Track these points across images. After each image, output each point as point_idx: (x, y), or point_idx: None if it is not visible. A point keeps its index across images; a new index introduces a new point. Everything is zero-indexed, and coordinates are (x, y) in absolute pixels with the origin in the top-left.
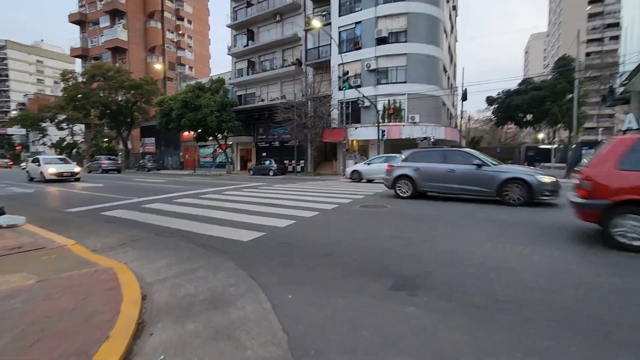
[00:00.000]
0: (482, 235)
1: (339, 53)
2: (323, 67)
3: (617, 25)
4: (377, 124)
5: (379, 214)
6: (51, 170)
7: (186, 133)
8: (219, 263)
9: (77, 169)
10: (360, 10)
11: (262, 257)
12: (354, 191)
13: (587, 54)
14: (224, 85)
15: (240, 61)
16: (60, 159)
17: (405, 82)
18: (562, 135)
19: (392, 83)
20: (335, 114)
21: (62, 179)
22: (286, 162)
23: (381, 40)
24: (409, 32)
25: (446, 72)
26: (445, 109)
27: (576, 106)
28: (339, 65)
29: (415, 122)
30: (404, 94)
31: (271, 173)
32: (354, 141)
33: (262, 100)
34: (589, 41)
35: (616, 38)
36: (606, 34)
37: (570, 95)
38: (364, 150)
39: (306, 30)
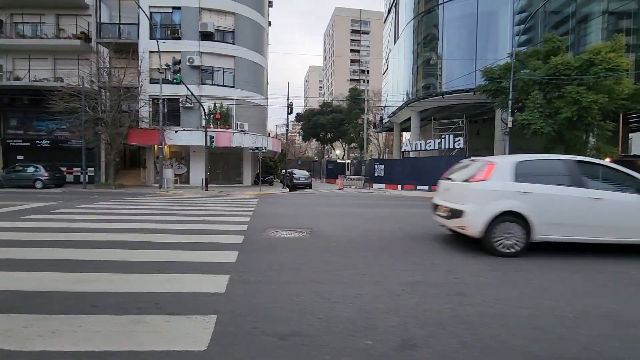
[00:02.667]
0: None
1: (152, 38)
2: (129, 51)
3: (368, 71)
4: (205, 129)
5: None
6: None
7: None
8: None
9: None
10: None
11: None
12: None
13: (350, 90)
14: None
15: None
16: None
17: (233, 87)
18: (357, 152)
19: (219, 85)
20: (145, 111)
21: None
22: (64, 169)
23: (206, 36)
24: (237, 34)
25: (268, 83)
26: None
27: (366, 129)
28: (151, 52)
29: (244, 130)
30: (232, 99)
31: (39, 185)
32: (166, 147)
33: (18, 78)
34: (352, 80)
35: (367, 82)
36: (362, 77)
37: (361, 121)
38: (182, 157)
39: None
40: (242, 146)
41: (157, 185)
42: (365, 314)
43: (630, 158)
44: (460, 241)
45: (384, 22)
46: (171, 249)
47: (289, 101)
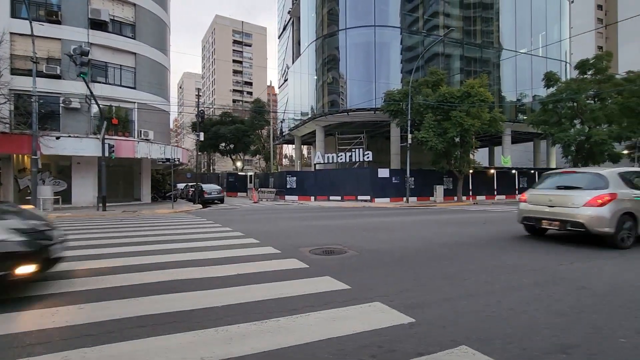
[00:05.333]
0: None
1: (16, 16)
2: None
3: (251, 83)
4: (102, 136)
5: None
6: None
7: None
8: None
9: None
10: None
11: None
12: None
13: (234, 101)
14: None
15: None
16: None
17: (134, 88)
18: (262, 164)
19: (116, 85)
20: (5, 110)
21: None
22: None
23: (99, 25)
24: (139, 28)
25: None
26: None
27: (272, 140)
28: (15, 35)
29: (148, 139)
30: (133, 102)
31: None
32: (25, 157)
33: None
34: (235, 90)
35: (250, 94)
36: (245, 88)
37: (265, 132)
38: (59, 171)
39: None
40: (149, 157)
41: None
42: (555, 314)
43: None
44: (542, 239)
45: (279, 38)
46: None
47: (200, 109)
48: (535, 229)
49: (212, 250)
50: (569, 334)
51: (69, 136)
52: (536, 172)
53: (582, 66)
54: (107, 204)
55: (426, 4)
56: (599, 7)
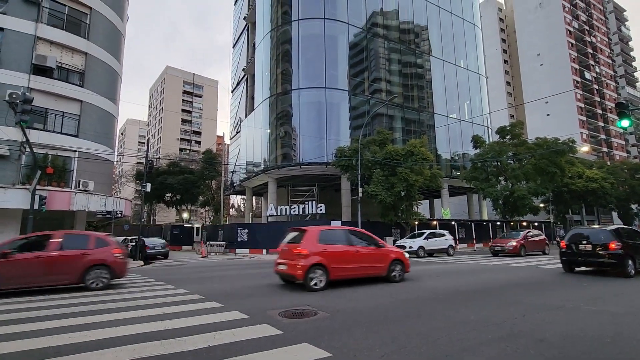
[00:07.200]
0: None
1: None
2: None
3: (200, 133)
4: (32, 187)
5: None
6: None
7: None
8: None
9: None
10: (4, 11)
11: None
12: None
13: (181, 150)
14: None
15: None
16: None
17: (76, 136)
18: (210, 215)
19: (55, 132)
20: None
21: None
22: None
23: (42, 70)
24: (88, 76)
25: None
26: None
27: (223, 192)
28: None
29: (87, 190)
30: (74, 150)
31: None
32: None
33: None
34: (183, 139)
35: (199, 143)
36: (194, 138)
37: (215, 184)
38: None
39: None
40: (86, 210)
41: None
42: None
43: (437, 220)
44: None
45: (232, 92)
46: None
47: (150, 159)
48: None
49: (172, 318)
50: None
51: None
52: (472, 223)
53: (501, 131)
54: None
55: (370, 70)
56: (508, 83)
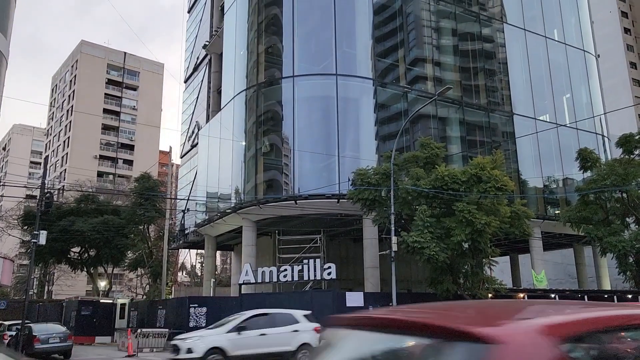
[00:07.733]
0: None
1: None
2: None
3: (133, 147)
4: None
5: None
6: None
7: None
8: None
9: None
10: None
11: None
12: None
13: (100, 174)
14: None
15: None
16: None
17: None
18: (144, 282)
19: None
20: None
21: None
22: None
23: None
24: None
25: None
26: None
27: (166, 244)
28: None
29: None
30: None
31: None
32: None
33: None
34: (103, 157)
35: (131, 163)
36: (123, 155)
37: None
38: None
39: None
40: None
41: None
42: None
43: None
44: None
45: (185, 82)
46: None
47: (48, 190)
48: None
49: None
50: None
51: None
52: (585, 296)
53: (626, 143)
54: None
55: (408, 46)
56: (633, 65)
